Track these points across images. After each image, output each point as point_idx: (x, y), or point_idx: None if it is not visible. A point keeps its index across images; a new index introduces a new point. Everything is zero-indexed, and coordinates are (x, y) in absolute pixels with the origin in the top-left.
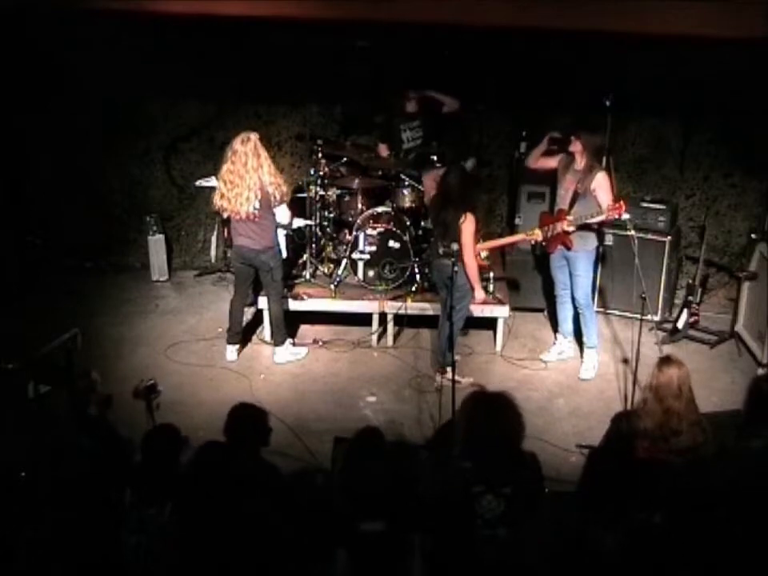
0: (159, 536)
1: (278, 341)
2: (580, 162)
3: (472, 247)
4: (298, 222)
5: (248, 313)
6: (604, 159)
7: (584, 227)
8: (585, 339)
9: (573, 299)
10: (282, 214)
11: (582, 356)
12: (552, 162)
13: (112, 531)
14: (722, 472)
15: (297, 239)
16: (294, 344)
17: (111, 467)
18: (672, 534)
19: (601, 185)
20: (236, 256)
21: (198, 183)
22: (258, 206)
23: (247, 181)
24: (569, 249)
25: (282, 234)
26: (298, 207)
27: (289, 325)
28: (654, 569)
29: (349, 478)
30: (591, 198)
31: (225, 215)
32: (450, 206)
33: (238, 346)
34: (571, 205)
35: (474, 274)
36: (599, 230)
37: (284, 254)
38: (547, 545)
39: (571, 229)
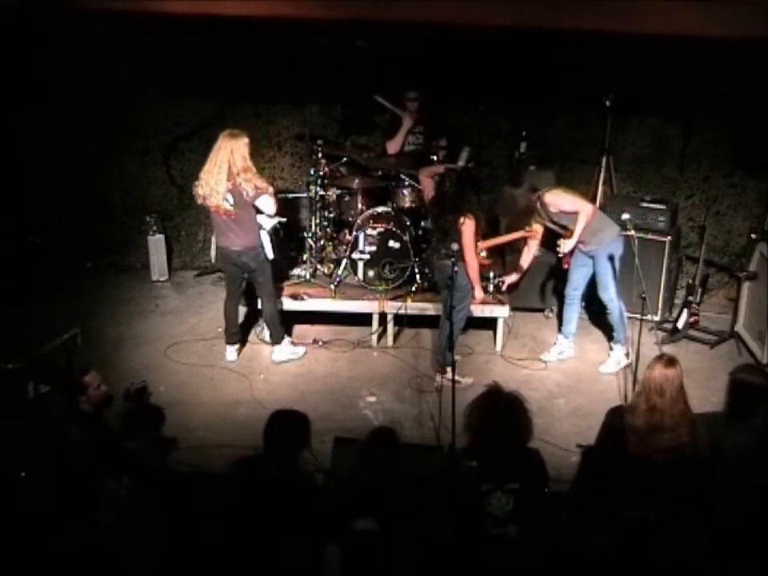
0: (129, 517)
1: (275, 339)
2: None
3: (472, 248)
4: (270, 222)
5: (243, 312)
6: (603, 159)
7: (592, 229)
8: (614, 334)
9: (587, 300)
10: (265, 204)
11: (609, 351)
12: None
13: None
14: (715, 472)
15: (274, 239)
16: (293, 344)
17: (102, 457)
18: (666, 533)
19: (551, 202)
20: (220, 257)
21: None
22: (231, 200)
23: (218, 169)
24: (564, 268)
25: (265, 234)
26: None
27: (289, 325)
28: (648, 567)
29: (359, 476)
30: (563, 215)
31: (199, 201)
32: (448, 213)
33: (237, 346)
34: (565, 227)
35: (474, 273)
36: (606, 228)
37: (270, 256)
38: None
39: (565, 249)
